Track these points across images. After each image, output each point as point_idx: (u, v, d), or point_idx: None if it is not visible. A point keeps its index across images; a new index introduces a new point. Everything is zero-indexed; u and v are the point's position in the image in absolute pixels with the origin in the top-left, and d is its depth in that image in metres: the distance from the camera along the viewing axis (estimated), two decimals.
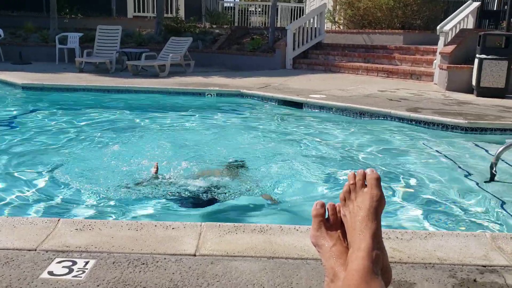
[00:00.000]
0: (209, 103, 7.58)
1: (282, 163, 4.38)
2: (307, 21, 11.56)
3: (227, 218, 3.17)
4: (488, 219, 3.24)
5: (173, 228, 2.36)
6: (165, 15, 14.13)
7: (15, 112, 6.77)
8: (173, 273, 1.96)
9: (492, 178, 3.92)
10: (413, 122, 5.82)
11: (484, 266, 2.08)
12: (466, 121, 5.51)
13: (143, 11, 16.31)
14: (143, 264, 2.03)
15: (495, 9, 12.15)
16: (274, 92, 7.50)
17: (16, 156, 4.49)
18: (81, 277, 1.92)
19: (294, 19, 17.02)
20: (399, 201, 3.53)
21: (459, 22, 9.13)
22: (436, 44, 8.92)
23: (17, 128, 5.69)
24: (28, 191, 3.59)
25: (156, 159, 4.38)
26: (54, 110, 6.80)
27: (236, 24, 16.08)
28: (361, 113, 6.31)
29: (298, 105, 6.97)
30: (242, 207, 3.40)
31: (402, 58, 9.97)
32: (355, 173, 0.98)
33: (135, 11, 16.27)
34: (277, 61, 11.16)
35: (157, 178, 3.66)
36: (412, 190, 3.76)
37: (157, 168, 3.71)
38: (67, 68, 10.41)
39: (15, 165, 4.22)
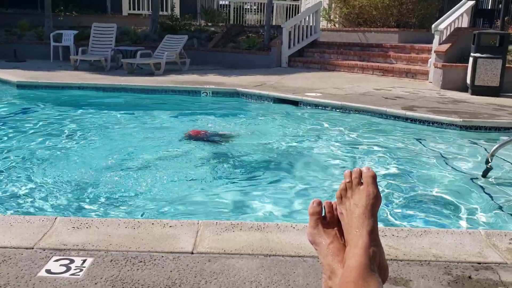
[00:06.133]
0: (204, 101, 7.58)
1: (278, 161, 4.39)
2: (303, 19, 11.56)
3: (224, 216, 3.18)
4: (483, 217, 3.27)
5: (170, 226, 2.37)
6: (160, 13, 14.08)
7: (9, 110, 6.74)
8: (170, 271, 1.97)
9: (486, 176, 3.95)
10: (409, 120, 5.85)
11: (479, 263, 2.10)
12: (461, 120, 5.54)
13: (138, 9, 16.25)
14: (141, 262, 2.03)
15: (489, 7, 12.21)
16: (270, 90, 7.50)
17: (11, 154, 4.48)
18: (78, 275, 1.92)
19: (289, 17, 17.01)
20: (394, 198, 3.56)
21: (454, 21, 9.16)
22: (431, 42, 8.95)
23: (12, 126, 5.67)
24: (24, 189, 3.58)
25: (152, 155, 4.39)
26: (49, 108, 6.78)
27: (231, 22, 16.05)
28: (357, 111, 6.33)
29: (294, 103, 6.99)
30: (239, 205, 3.41)
31: (398, 56, 10.00)
32: (351, 171, 0.99)
33: (130, 9, 16.22)
34: (273, 59, 11.16)
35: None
36: (407, 188, 3.78)
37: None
38: (62, 66, 10.37)
39: (10, 163, 4.21)
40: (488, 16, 11.64)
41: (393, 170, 4.23)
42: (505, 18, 8.74)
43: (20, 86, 8.09)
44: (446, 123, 5.58)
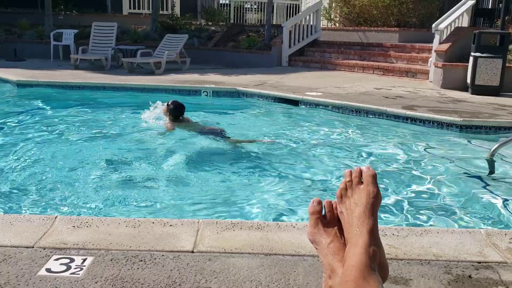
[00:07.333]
0: (205, 101, 7.58)
1: (278, 161, 4.39)
2: (303, 19, 11.56)
3: (224, 215, 3.18)
4: (483, 216, 3.27)
5: (170, 225, 2.37)
6: (161, 12, 14.08)
7: (9, 109, 6.74)
8: (171, 270, 1.97)
9: (486, 175, 3.95)
10: (409, 120, 5.85)
11: (479, 263, 2.10)
12: (461, 119, 5.54)
13: (139, 8, 16.25)
14: (141, 261, 2.03)
15: (490, 7, 12.20)
16: (270, 90, 7.50)
17: (11, 153, 4.48)
18: (79, 274, 1.92)
19: (290, 17, 17.01)
20: (395, 198, 3.56)
21: (454, 20, 9.16)
22: (432, 42, 8.94)
23: (11, 126, 5.67)
24: (24, 188, 3.58)
25: (151, 154, 4.39)
26: (49, 107, 6.77)
27: (232, 21, 16.05)
28: (357, 111, 6.32)
29: (294, 102, 6.98)
30: (239, 204, 3.41)
31: (398, 56, 9.99)
32: (352, 170, 0.99)
33: (130, 8, 16.21)
34: (273, 59, 11.15)
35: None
36: (407, 187, 3.78)
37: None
38: (62, 65, 10.36)
39: (10, 162, 4.21)
40: (489, 15, 11.62)
41: (393, 169, 4.22)
42: (506, 18, 8.73)
43: (20, 85, 8.08)
44: (447, 123, 5.58)
